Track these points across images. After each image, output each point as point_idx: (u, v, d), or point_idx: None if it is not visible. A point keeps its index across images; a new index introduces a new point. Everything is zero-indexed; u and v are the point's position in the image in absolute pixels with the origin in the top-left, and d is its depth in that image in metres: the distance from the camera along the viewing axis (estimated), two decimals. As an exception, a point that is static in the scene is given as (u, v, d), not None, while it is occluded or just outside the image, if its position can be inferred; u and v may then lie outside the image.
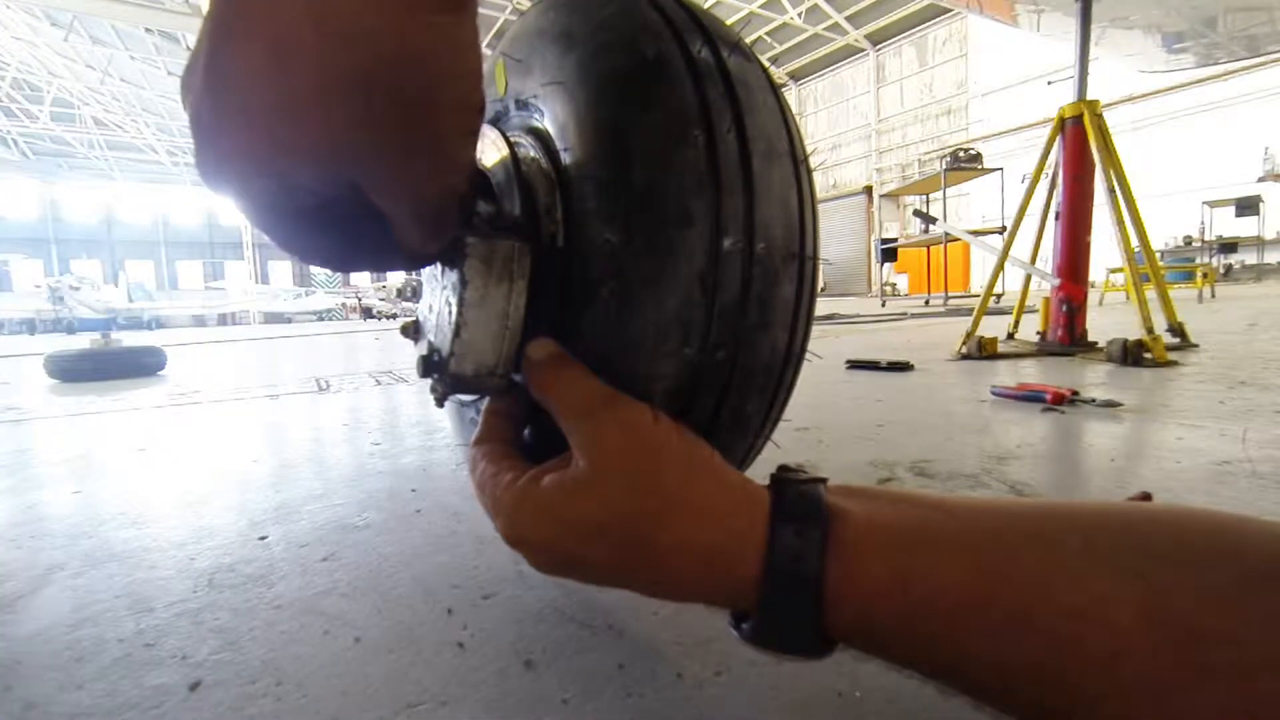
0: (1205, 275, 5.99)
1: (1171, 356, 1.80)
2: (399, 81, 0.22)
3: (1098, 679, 0.21)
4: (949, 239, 6.95)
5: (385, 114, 0.22)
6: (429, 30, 0.21)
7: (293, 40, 0.20)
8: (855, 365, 1.87)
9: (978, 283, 13.46)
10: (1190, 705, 0.20)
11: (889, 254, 8.82)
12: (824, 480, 0.29)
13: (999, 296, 4.50)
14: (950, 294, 7.51)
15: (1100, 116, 2.09)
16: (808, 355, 0.40)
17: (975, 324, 2.14)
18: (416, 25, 0.21)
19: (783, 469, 0.30)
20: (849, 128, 17.54)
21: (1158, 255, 2.46)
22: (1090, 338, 2.15)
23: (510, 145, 0.37)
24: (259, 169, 0.23)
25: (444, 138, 0.24)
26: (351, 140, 0.22)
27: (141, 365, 2.75)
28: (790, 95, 17.51)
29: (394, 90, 0.22)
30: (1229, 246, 9.48)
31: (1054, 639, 0.22)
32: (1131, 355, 1.73)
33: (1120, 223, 2.05)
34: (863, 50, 16.47)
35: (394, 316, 18.15)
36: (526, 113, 0.39)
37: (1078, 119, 2.11)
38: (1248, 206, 9.42)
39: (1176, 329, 2.12)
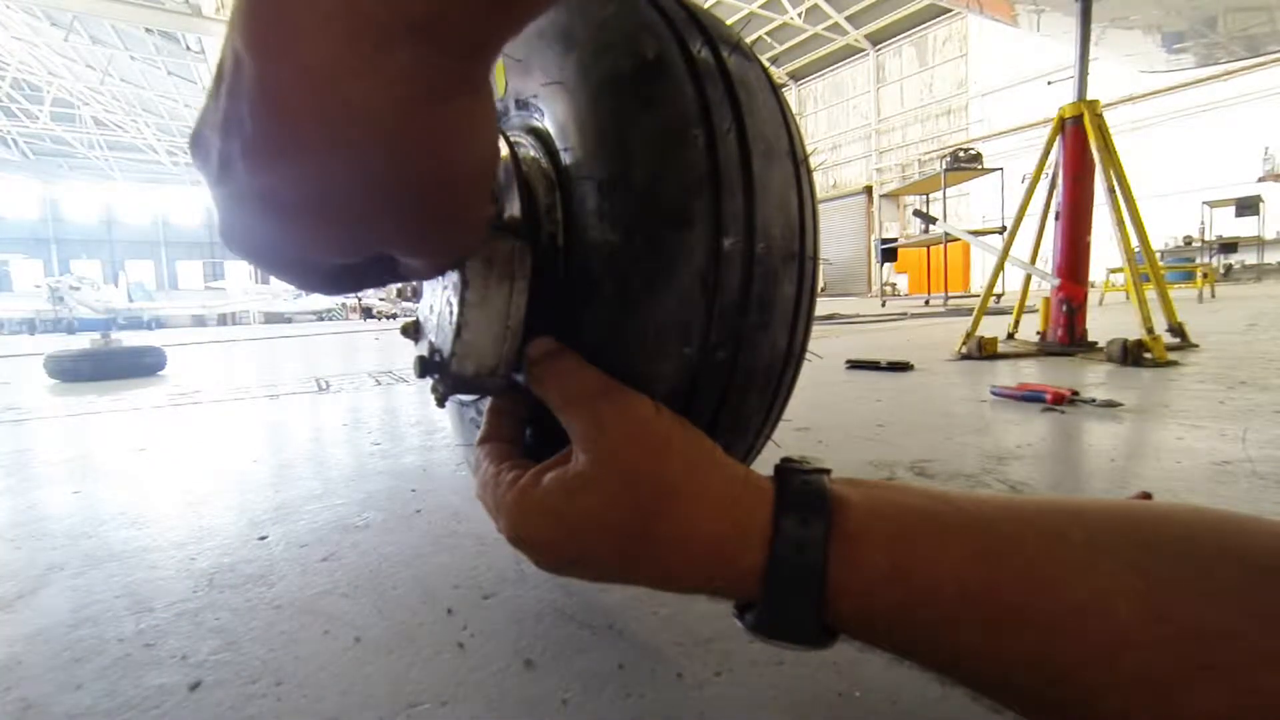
0: (1205, 275, 5.99)
1: (1171, 356, 1.80)
2: (428, 170, 0.21)
3: (1097, 673, 0.21)
4: (949, 239, 6.95)
5: (418, 200, 0.22)
6: (453, 119, 0.21)
7: (324, 141, 0.19)
8: (855, 365, 1.87)
9: (978, 283, 13.46)
10: (1190, 701, 0.20)
11: (889, 254, 8.81)
12: (827, 471, 0.29)
13: (999, 296, 4.50)
14: (950, 294, 7.51)
15: (1100, 116, 2.09)
16: (808, 355, 0.40)
17: (975, 324, 2.14)
18: (441, 117, 0.20)
19: (786, 460, 0.30)
20: (849, 128, 17.53)
21: (1158, 255, 2.46)
22: (1090, 338, 2.15)
23: (510, 145, 0.37)
24: (290, 256, 0.23)
25: (469, 204, 0.24)
26: (388, 230, 0.23)
27: (141, 365, 2.75)
28: (790, 95, 17.51)
29: (425, 178, 0.21)
30: (1229, 246, 9.47)
31: (1054, 632, 0.22)
32: (1131, 355, 1.73)
33: (1120, 223, 2.05)
34: (863, 50, 16.47)
35: (394, 316, 18.15)
36: (526, 112, 0.39)
37: (1078, 119, 2.11)
38: (1248, 206, 9.41)
39: (1176, 329, 2.12)
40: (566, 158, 0.34)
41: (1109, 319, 3.40)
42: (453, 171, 0.22)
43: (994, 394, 1.33)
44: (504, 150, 0.37)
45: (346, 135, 0.19)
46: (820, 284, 0.41)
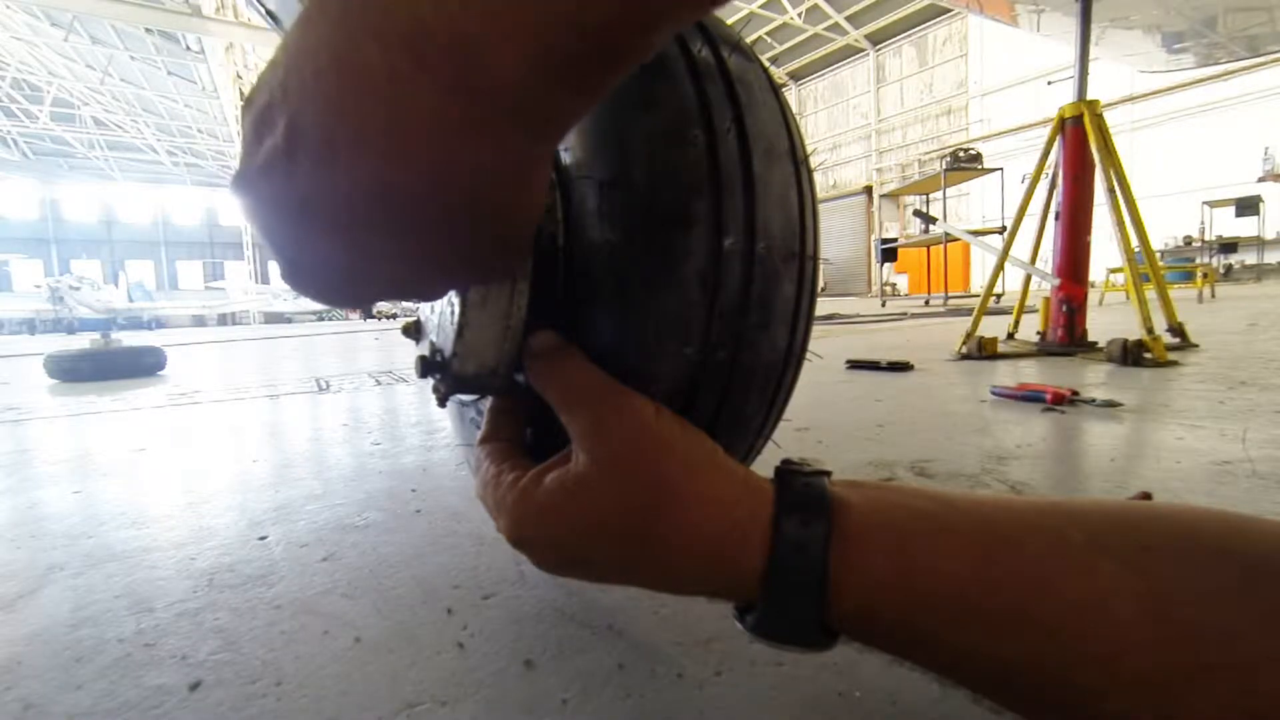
0: (1205, 275, 5.99)
1: (1171, 356, 1.80)
2: (501, 223, 0.23)
3: (1098, 674, 0.21)
4: (949, 239, 6.95)
5: (489, 246, 0.24)
6: (528, 183, 0.23)
7: (420, 213, 0.21)
8: (855, 365, 1.87)
9: (978, 283, 13.46)
10: (1191, 702, 0.20)
11: (889, 254, 8.81)
12: (828, 473, 0.29)
13: (999, 296, 4.50)
14: (950, 294, 7.51)
15: (1100, 116, 2.09)
16: (808, 355, 0.40)
17: (975, 324, 2.14)
18: (519, 183, 0.22)
19: (786, 462, 0.30)
20: (849, 128, 17.54)
21: (1158, 255, 2.46)
22: (1090, 338, 2.15)
23: None
24: (350, 294, 0.25)
25: (527, 238, 0.26)
26: (460, 269, 0.25)
27: (141, 365, 2.75)
28: (790, 95, 17.51)
29: (498, 229, 0.23)
30: (1229, 246, 9.47)
31: (1054, 633, 0.22)
32: (1131, 355, 1.73)
33: (1120, 223, 2.05)
34: (863, 50, 16.47)
35: (394, 316, 18.15)
36: None
37: (1078, 119, 2.11)
38: (1248, 206, 9.40)
39: (1176, 329, 2.12)
40: (567, 157, 0.34)
41: (1109, 319, 3.40)
42: (519, 220, 0.24)
43: (994, 394, 1.33)
44: None
45: (441, 204, 0.21)
46: (820, 284, 0.41)
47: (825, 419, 1.16)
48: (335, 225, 0.21)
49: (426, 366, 0.36)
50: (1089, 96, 2.12)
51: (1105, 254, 2.70)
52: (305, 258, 0.23)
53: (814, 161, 0.38)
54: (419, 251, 0.23)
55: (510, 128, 0.20)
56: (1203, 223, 9.63)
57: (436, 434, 1.17)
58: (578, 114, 0.22)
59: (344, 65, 0.19)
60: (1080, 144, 2.11)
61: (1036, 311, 2.33)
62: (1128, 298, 2.86)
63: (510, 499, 0.31)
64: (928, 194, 9.34)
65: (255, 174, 0.22)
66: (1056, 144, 2.20)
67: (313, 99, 0.20)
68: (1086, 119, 2.07)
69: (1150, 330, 1.80)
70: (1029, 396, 1.24)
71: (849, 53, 16.81)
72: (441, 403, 0.37)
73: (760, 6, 14.12)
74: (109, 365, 2.62)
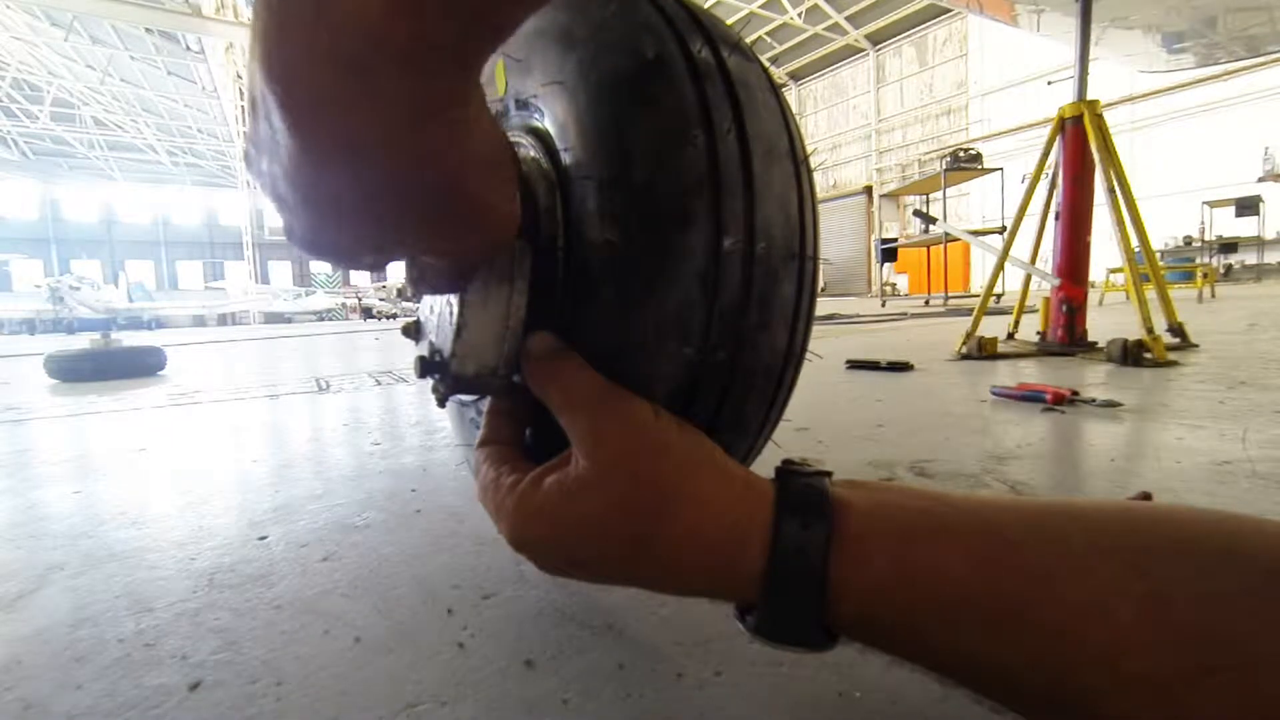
0: (1205, 275, 5.99)
1: (1171, 356, 1.80)
2: (429, 176, 0.23)
3: (1099, 676, 0.21)
4: (949, 239, 6.95)
5: (428, 203, 0.24)
6: (445, 129, 0.23)
7: (335, 158, 0.21)
8: (855, 365, 1.87)
9: (978, 283, 13.46)
10: (1191, 703, 0.20)
11: (889, 254, 8.81)
12: (829, 474, 0.29)
13: (999, 296, 4.50)
14: (950, 294, 7.51)
15: (1100, 116, 2.09)
16: (808, 355, 0.40)
17: (975, 324, 2.14)
18: (433, 129, 0.22)
19: (787, 463, 0.30)
20: (849, 128, 17.54)
21: (1158, 255, 2.46)
22: (1090, 338, 2.15)
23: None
24: (342, 250, 0.26)
25: (480, 203, 0.26)
26: (407, 229, 0.25)
27: (142, 365, 2.75)
28: (790, 95, 17.51)
29: (428, 183, 0.23)
30: (1229, 246, 9.48)
31: (1055, 635, 0.22)
32: (1131, 355, 1.73)
33: (1120, 223, 2.05)
34: (863, 50, 16.47)
35: (394, 316, 18.17)
36: (526, 113, 0.39)
37: (1078, 119, 2.11)
38: (1248, 206, 9.41)
39: (1176, 329, 2.12)
40: (567, 158, 0.34)
41: (1109, 319, 3.40)
42: (453, 175, 0.24)
43: (994, 394, 1.33)
44: None
45: (352, 153, 0.21)
46: (820, 284, 0.41)
47: (825, 419, 1.16)
48: (284, 172, 0.23)
49: (426, 367, 0.36)
50: (1089, 96, 2.12)
51: (1105, 254, 2.70)
52: (282, 214, 0.25)
53: (814, 161, 0.38)
54: (366, 210, 0.23)
55: (393, 68, 0.20)
56: (1203, 223, 9.63)
57: (436, 434, 1.17)
58: (473, 55, 0.22)
59: (265, 34, 0.20)
60: (1080, 144, 2.11)
61: (1036, 311, 2.33)
62: (1128, 298, 2.86)
63: (510, 503, 0.31)
64: (928, 194, 9.34)
65: (246, 147, 0.24)
66: (1056, 144, 2.20)
67: (256, 65, 0.21)
68: (1086, 119, 2.07)
69: (1150, 330, 1.80)
70: (1029, 396, 1.24)
71: (849, 53, 16.80)
72: (441, 403, 0.37)
73: (760, 6, 14.11)
74: (109, 365, 2.62)
